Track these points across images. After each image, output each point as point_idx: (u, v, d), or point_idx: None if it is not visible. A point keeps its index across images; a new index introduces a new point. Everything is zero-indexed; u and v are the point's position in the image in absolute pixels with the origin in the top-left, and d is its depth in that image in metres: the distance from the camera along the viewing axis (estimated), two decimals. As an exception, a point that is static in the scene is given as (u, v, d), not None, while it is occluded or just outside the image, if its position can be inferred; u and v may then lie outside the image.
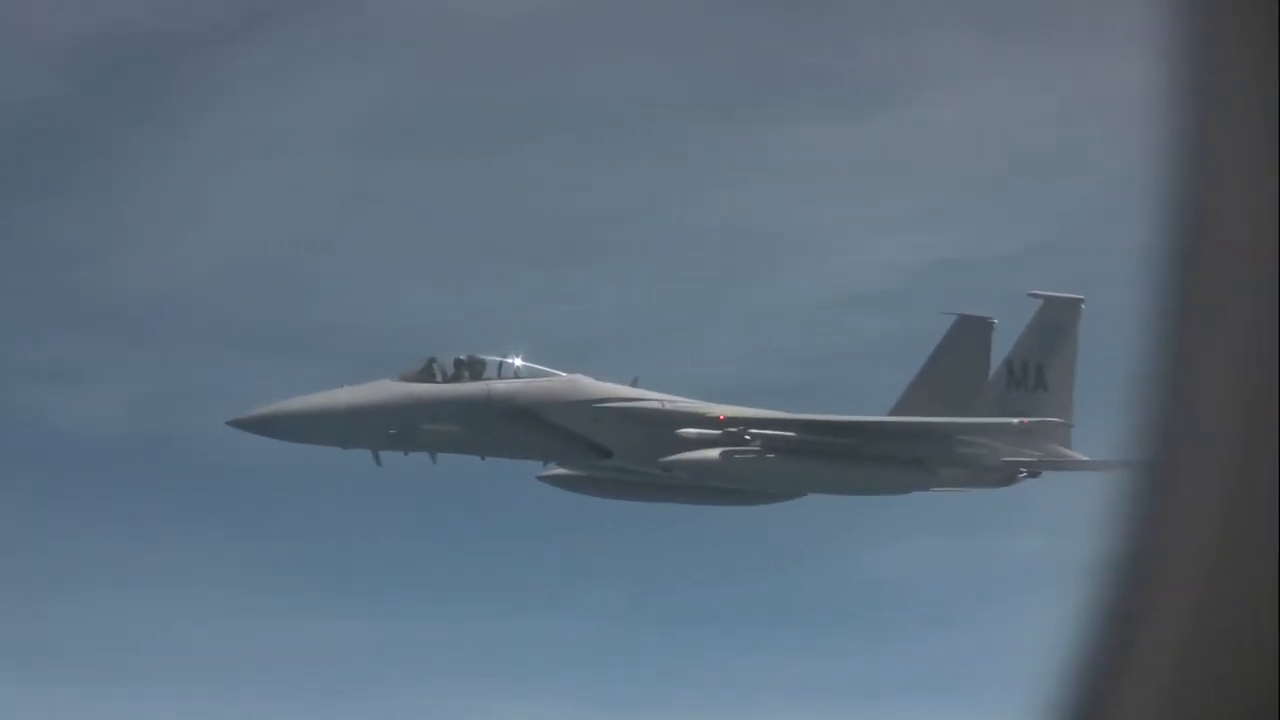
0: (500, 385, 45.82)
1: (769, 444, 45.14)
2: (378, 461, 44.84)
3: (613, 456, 45.99)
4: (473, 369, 46.11)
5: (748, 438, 45.07)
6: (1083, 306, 50.65)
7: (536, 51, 72.23)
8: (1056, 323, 50.61)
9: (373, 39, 72.17)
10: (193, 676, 65.83)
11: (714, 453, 44.83)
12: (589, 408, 45.83)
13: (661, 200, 74.68)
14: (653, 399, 46.40)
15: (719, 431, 45.29)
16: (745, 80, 72.62)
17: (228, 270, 72.93)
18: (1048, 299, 50.76)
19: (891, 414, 50.15)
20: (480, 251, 74.08)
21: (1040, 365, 50.36)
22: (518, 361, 46.61)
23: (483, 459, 46.10)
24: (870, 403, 51.18)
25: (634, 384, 47.30)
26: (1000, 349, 51.48)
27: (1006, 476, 49.22)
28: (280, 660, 66.94)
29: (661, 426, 45.42)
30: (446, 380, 45.72)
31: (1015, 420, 47.22)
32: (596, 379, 46.98)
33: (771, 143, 71.97)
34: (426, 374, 45.70)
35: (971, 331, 51.44)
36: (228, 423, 44.50)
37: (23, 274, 74.14)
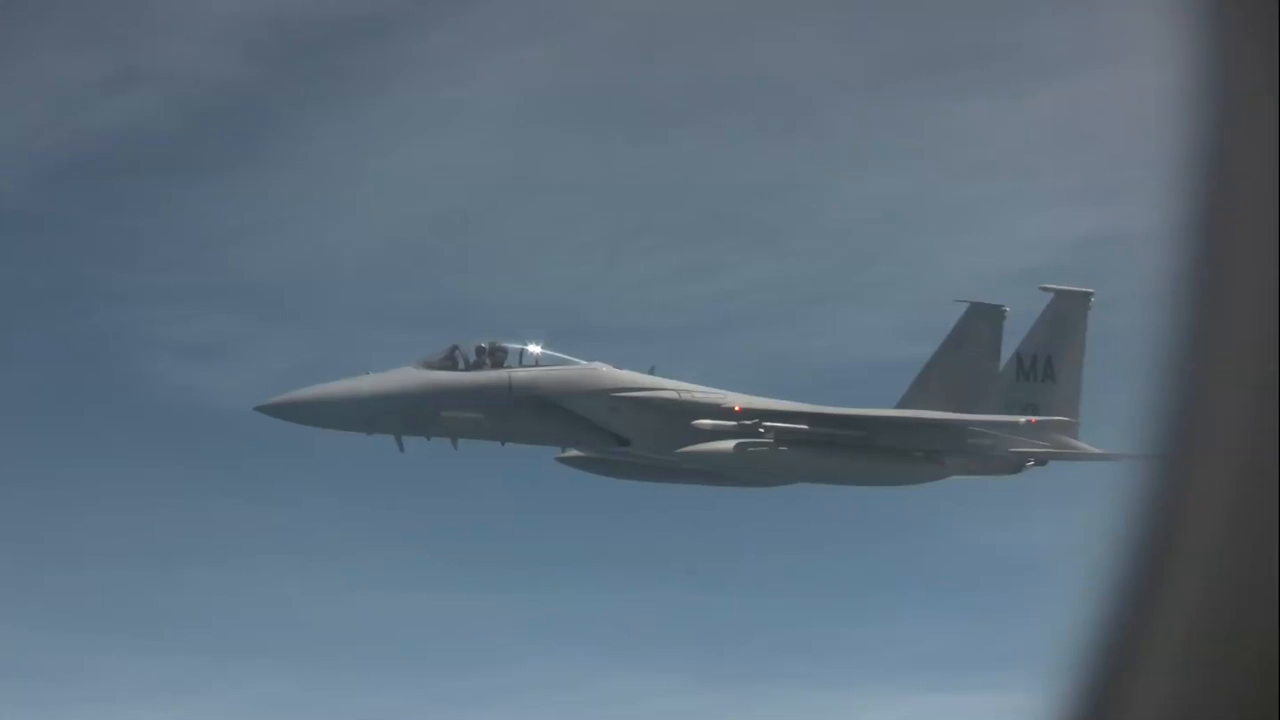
0: (520, 373, 46.78)
1: (782, 436, 46.14)
2: (400, 447, 45.89)
3: (630, 444, 47.01)
4: (494, 356, 47.04)
5: (761, 430, 46.07)
6: (1092, 300, 51.50)
7: (699, 30, 72.82)
8: (1067, 315, 51.46)
9: (542, 21, 72.88)
10: (325, 649, 67.31)
11: (728, 444, 45.82)
12: (607, 396, 46.81)
13: (819, 177, 75.32)
14: (670, 388, 47.37)
15: (734, 423, 46.27)
16: (907, 57, 73.12)
17: (388, 246, 73.98)
18: (1058, 292, 51.61)
19: (904, 400, 51.14)
20: (637, 228, 74.96)
21: (1050, 357, 51.25)
22: (538, 349, 47.56)
23: (502, 445, 47.15)
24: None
25: (651, 372, 48.29)
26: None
27: (1014, 466, 50.18)
28: (402, 632, 68.38)
29: (678, 416, 46.41)
30: (468, 367, 46.68)
31: (1023, 419, 48.18)
32: (615, 367, 47.97)
33: (931, 119, 72.46)
34: (449, 361, 46.65)
35: (984, 319, 52.32)
36: (255, 408, 45.54)
37: (181, 251, 75.13)
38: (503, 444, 47.18)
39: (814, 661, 66.11)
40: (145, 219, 77.27)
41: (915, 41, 72.04)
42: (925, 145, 71.84)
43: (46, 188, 77.74)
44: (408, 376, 46.11)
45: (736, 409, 46.78)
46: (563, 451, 48.87)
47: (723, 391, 47.88)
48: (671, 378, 48.27)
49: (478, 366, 46.75)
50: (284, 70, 77.56)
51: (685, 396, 47.06)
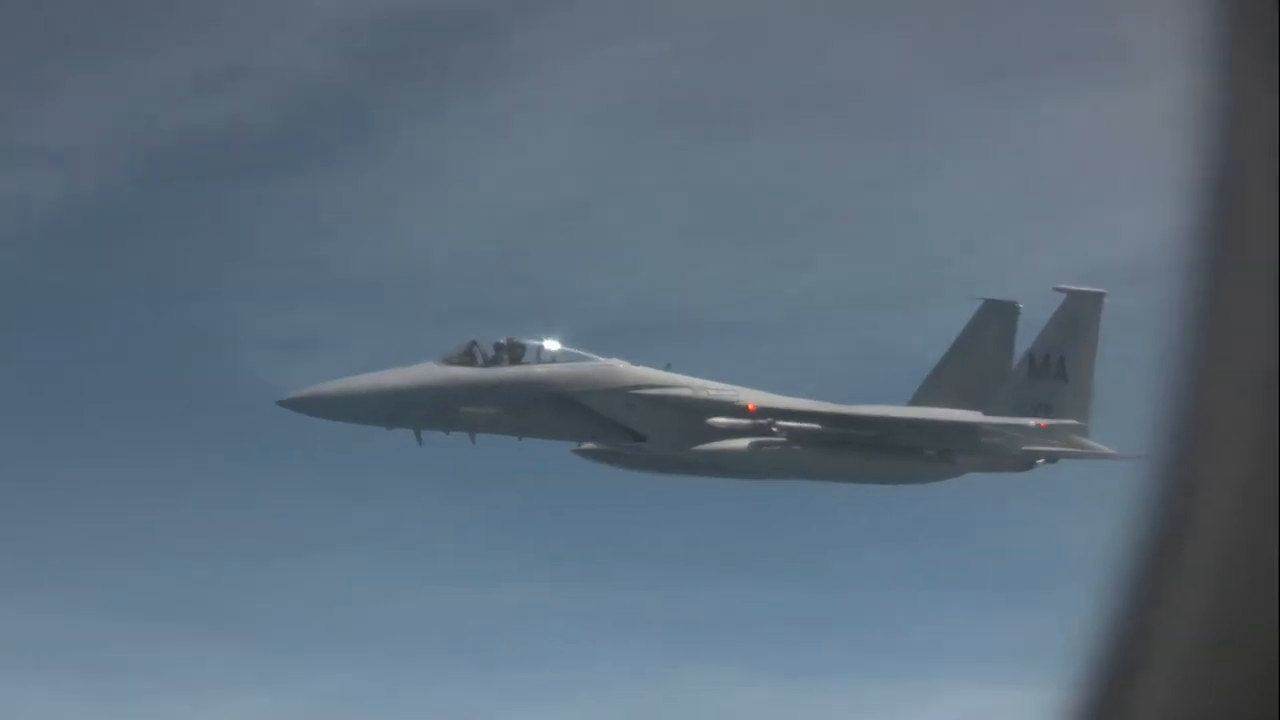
0: (538, 370, 47.48)
1: (795, 435, 46.81)
2: (419, 441, 46.64)
3: (646, 440, 47.73)
4: (512, 353, 47.75)
5: (774, 430, 46.73)
6: (1105, 300, 52.00)
7: (790, 30, 73.12)
8: (1079, 315, 51.95)
9: (635, 19, 73.27)
10: (386, 644, 68.23)
11: (743, 442, 46.51)
12: (623, 393, 47.50)
13: (908, 175, 75.59)
14: (685, 386, 48.02)
15: (748, 421, 46.95)
16: (994, 55, 73.38)
17: (482, 242, 74.62)
18: (1071, 292, 52.10)
19: (917, 396, 51.72)
20: (725, 224, 75.47)
21: (1062, 357, 51.76)
22: (556, 346, 48.24)
23: (519, 439, 47.87)
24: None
25: (668, 369, 48.95)
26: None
27: (1025, 464, 50.78)
28: (455, 627, 69.26)
29: (693, 414, 47.09)
30: (487, 363, 47.38)
31: (1033, 422, 48.75)
32: (631, 364, 48.63)
33: (1018, 117, 72.76)
34: (468, 357, 47.35)
35: (997, 316, 52.84)
36: (278, 403, 46.30)
37: (277, 246, 75.81)
38: (520, 439, 47.92)
39: (855, 654, 66.82)
40: (243, 215, 78.02)
41: (1002, 41, 72.36)
42: (1013, 144, 72.12)
43: (145, 183, 78.43)
44: (428, 372, 46.82)
45: (750, 408, 47.45)
46: (579, 445, 49.60)
47: (737, 389, 48.50)
48: (707, 377, 48.90)
49: (496, 362, 47.45)
50: (382, 67, 78.14)
51: (700, 394, 47.71)
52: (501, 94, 76.67)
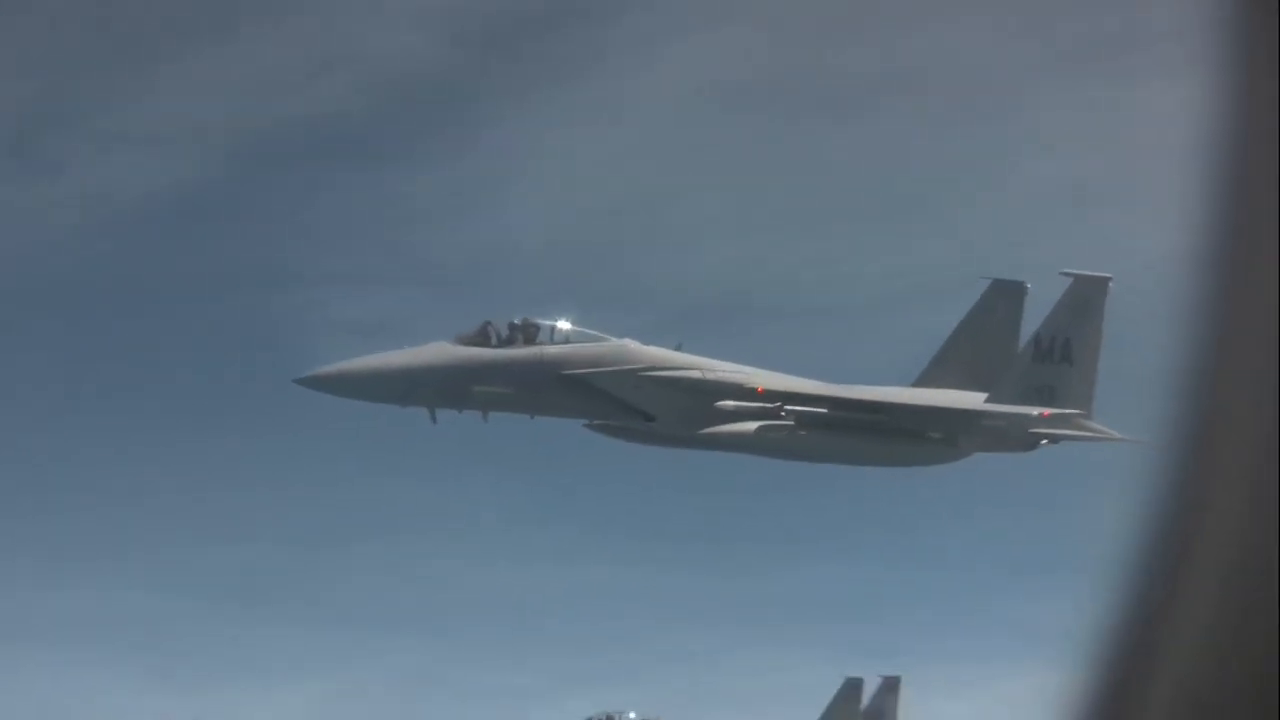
0: (551, 350, 48.28)
1: (802, 419, 47.66)
2: (433, 419, 47.54)
3: (655, 421, 48.58)
4: (526, 332, 48.53)
5: (782, 414, 47.60)
6: (1111, 285, 52.59)
7: (883, 16, 73.22)
8: (1085, 300, 52.52)
9: (726, 6, 73.40)
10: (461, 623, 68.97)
11: (750, 426, 47.39)
12: (634, 374, 48.32)
13: (998, 159, 75.71)
14: (695, 367, 48.81)
15: (756, 404, 47.79)
16: (1084, 42, 73.40)
17: (573, 225, 75.10)
18: (1078, 277, 52.69)
19: (924, 376, 52.45)
20: (817, 207, 75.90)
21: (1068, 340, 52.39)
22: (568, 325, 49.02)
23: (531, 418, 48.76)
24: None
25: (678, 348, 49.73)
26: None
27: (1029, 444, 51.55)
28: (531, 608, 70.24)
29: (701, 396, 47.94)
30: (501, 343, 48.20)
31: (1035, 412, 49.46)
32: (642, 344, 49.42)
33: (1121, 101, 73.04)
34: (482, 337, 48.16)
35: (1004, 295, 53.51)
36: (295, 380, 47.23)
37: (363, 231, 76.53)
38: (532, 417, 48.79)
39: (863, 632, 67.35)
40: (336, 200, 78.65)
41: (1092, 26, 72.36)
42: (1103, 128, 72.32)
43: (240, 170, 79.19)
44: (442, 351, 47.63)
45: (759, 390, 48.27)
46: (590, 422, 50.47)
47: (748, 370, 49.29)
48: (719, 359, 49.65)
49: (510, 342, 48.25)
50: (476, 56, 78.54)
51: (709, 376, 48.50)
52: (591, 81, 76.97)
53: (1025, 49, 72.47)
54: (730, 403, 47.76)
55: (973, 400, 50.11)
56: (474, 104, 77.47)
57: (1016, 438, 51.02)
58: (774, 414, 47.89)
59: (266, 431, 70.57)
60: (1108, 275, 52.56)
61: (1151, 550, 4.21)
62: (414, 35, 75.64)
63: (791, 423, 47.64)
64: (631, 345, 49.10)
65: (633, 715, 79.80)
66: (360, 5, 75.75)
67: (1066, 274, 52.91)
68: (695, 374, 48.44)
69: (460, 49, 77.48)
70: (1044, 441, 51.80)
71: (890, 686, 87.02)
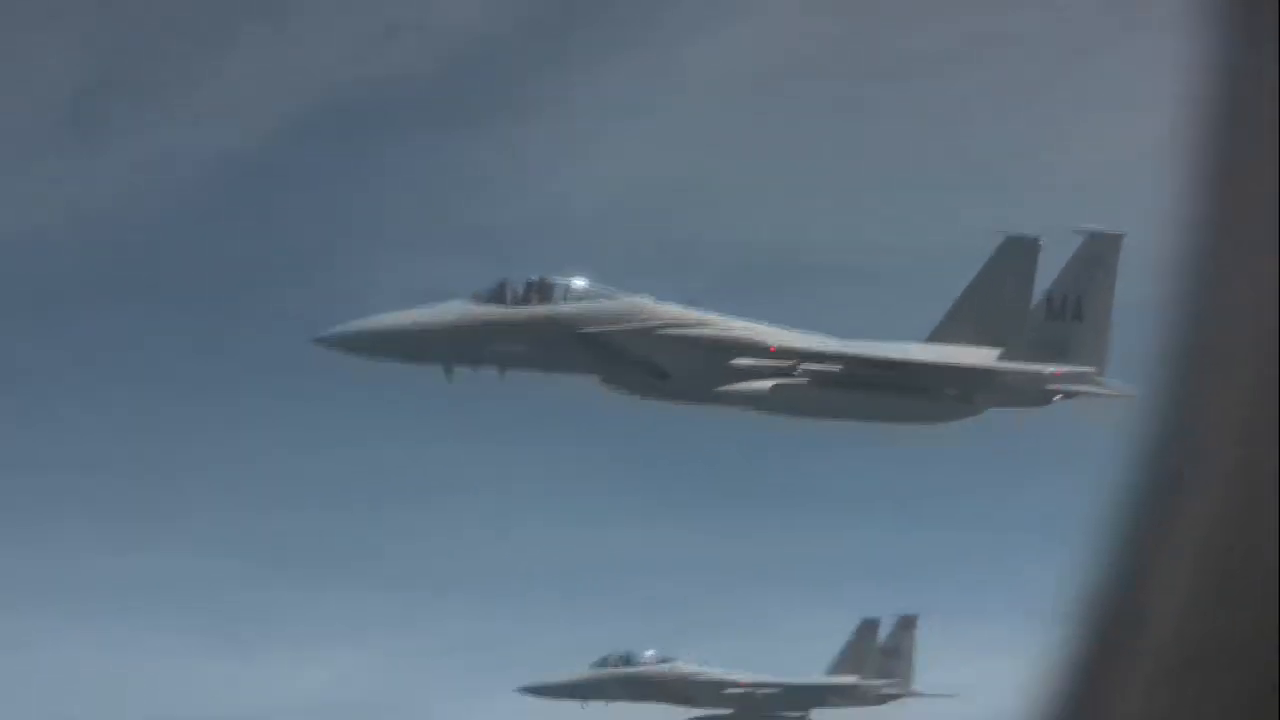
0: (565, 308, 48.56)
1: (817, 377, 47.95)
2: (449, 378, 47.86)
3: (669, 378, 48.88)
4: (541, 291, 48.82)
5: (796, 371, 47.88)
6: (1123, 241, 52.72)
7: None
8: (1097, 257, 52.66)
9: None
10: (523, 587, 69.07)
11: (765, 384, 47.69)
12: (649, 331, 48.61)
13: (1051, 128, 75.49)
14: (709, 325, 49.08)
15: (770, 362, 48.08)
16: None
17: (635, 190, 75.06)
18: (1090, 234, 52.83)
19: (937, 332, 52.67)
20: (868, 173, 75.85)
21: (1080, 298, 52.58)
22: (584, 283, 49.30)
23: (546, 375, 49.06)
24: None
25: (692, 307, 49.99)
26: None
27: (1042, 400, 51.83)
28: (592, 570, 70.58)
29: (716, 353, 48.24)
30: (517, 301, 48.47)
31: (1048, 370, 49.71)
32: (658, 302, 49.69)
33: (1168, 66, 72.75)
34: (498, 295, 48.44)
35: (1018, 252, 53.64)
36: (313, 340, 47.53)
37: (426, 197, 76.45)
38: (547, 374, 49.10)
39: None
40: (400, 166, 78.58)
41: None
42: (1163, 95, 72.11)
43: (299, 136, 79.19)
44: (458, 309, 47.92)
45: (771, 349, 48.55)
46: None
47: (763, 328, 49.56)
48: (721, 314, 49.96)
49: (525, 301, 48.52)
50: (537, 23, 78.39)
51: (724, 334, 48.78)
52: (649, 50, 76.82)
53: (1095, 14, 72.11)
54: (745, 360, 48.04)
55: (986, 357, 50.35)
56: (534, 71, 77.75)
57: (1030, 393, 51.29)
58: (788, 372, 48.16)
59: (321, 396, 70.87)
60: (1121, 232, 52.69)
61: (1142, 508, 4.10)
62: (476, 3, 75.74)
63: (806, 380, 47.92)
64: (646, 303, 49.36)
65: (650, 653, 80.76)
66: None
67: (1080, 231, 53.07)
68: (710, 331, 48.73)
69: (523, 15, 77.52)
70: (1058, 397, 52.06)
71: (906, 625, 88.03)
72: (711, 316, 49.49)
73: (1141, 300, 51.27)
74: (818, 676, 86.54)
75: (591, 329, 48.21)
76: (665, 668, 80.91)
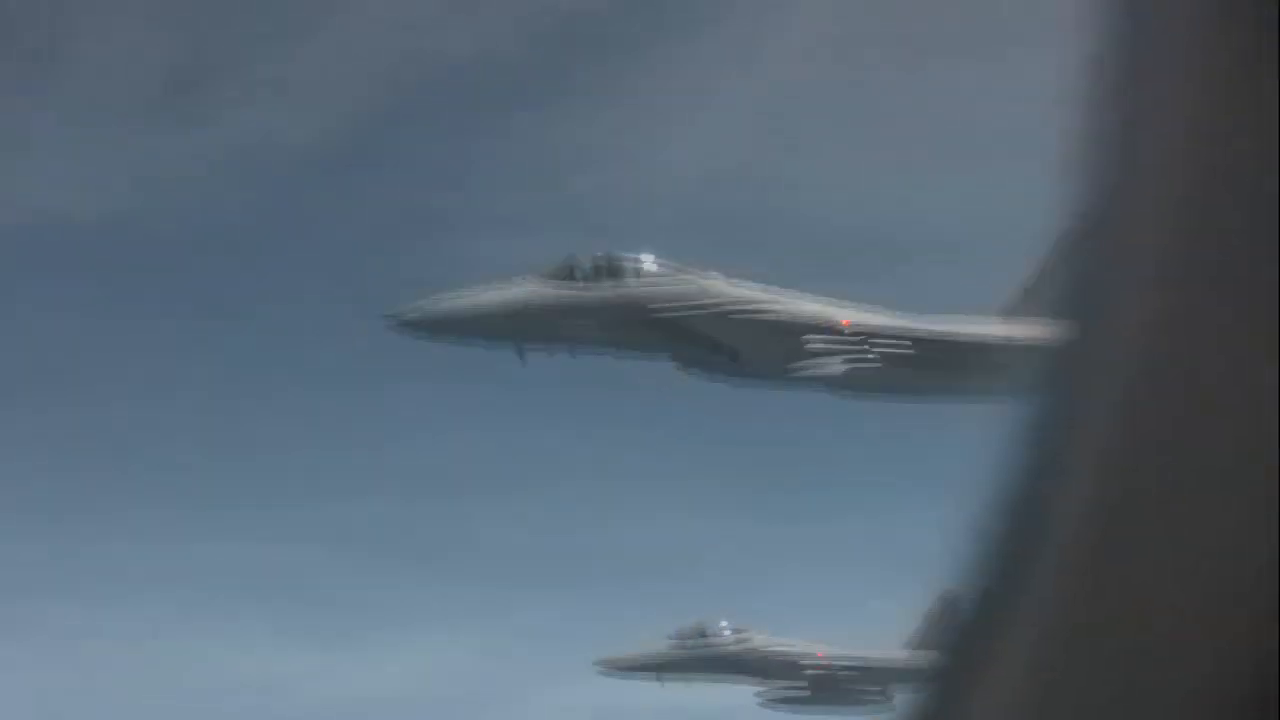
0: (636, 288, 48.30)
1: (889, 356, 47.51)
2: (522, 359, 47.74)
3: (740, 358, 48.56)
4: (611, 269, 48.58)
5: (868, 349, 47.45)
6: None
7: None
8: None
9: None
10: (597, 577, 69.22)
11: (837, 363, 47.30)
12: (719, 311, 48.29)
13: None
14: (781, 303, 48.69)
15: (843, 341, 47.67)
16: None
17: (719, 169, 75.00)
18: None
19: (1013, 306, 51.97)
20: (957, 149, 75.58)
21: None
22: (653, 262, 49.02)
23: (617, 355, 48.86)
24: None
25: (763, 285, 49.60)
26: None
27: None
28: (661, 558, 70.52)
29: (787, 333, 47.86)
30: (586, 280, 48.25)
31: None
32: (729, 281, 49.35)
33: None
34: (566, 274, 48.24)
35: None
36: (386, 325, 47.46)
37: (518, 173, 76.74)
38: (618, 353, 48.90)
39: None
40: (487, 143, 78.78)
41: None
42: None
43: (391, 113, 79.42)
44: (530, 289, 47.74)
45: (844, 323, 48.14)
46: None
47: (835, 306, 49.11)
48: (791, 290, 49.59)
49: (594, 279, 48.30)
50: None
51: (796, 312, 48.38)
52: (735, 26, 76.62)
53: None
54: (818, 339, 47.66)
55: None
56: (625, 49, 77.59)
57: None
58: (862, 350, 47.75)
59: (408, 380, 71.00)
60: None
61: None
62: None
63: (878, 359, 47.50)
64: (716, 282, 49.03)
65: (725, 626, 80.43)
66: None
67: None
68: (781, 310, 48.36)
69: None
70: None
71: None
72: (783, 295, 49.09)
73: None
74: (899, 653, 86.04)
75: (662, 309, 47.96)
76: (741, 643, 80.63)
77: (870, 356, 47.64)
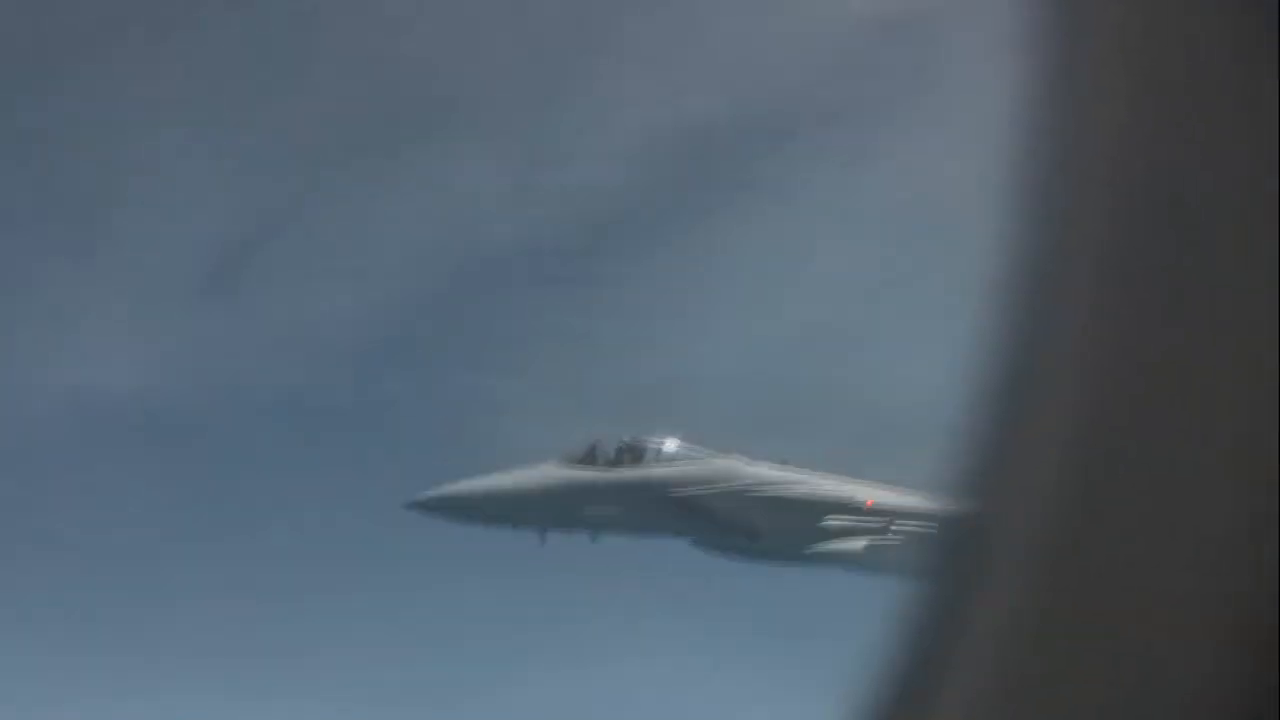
0: (658, 470, 48.56)
1: (911, 536, 47.27)
2: (542, 541, 47.91)
3: (761, 539, 48.52)
4: (633, 453, 48.91)
5: (891, 529, 47.29)
6: None
7: None
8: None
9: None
10: None
11: (858, 543, 47.15)
12: (740, 493, 48.40)
13: None
14: (801, 483, 48.73)
15: (865, 521, 47.55)
16: None
17: (747, 351, 74.83)
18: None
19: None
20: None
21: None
22: (675, 445, 49.31)
23: (639, 538, 48.96)
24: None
25: (784, 465, 49.71)
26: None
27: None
28: None
29: (808, 513, 47.82)
30: (609, 464, 48.56)
31: None
32: (749, 461, 49.49)
33: None
34: (590, 458, 48.59)
35: None
36: (404, 506, 47.86)
37: (553, 360, 77.14)
38: (641, 536, 49.00)
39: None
40: (530, 325, 79.17)
41: None
42: None
43: (437, 297, 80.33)
44: (551, 473, 48.09)
45: (868, 504, 48.06)
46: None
47: (857, 486, 49.05)
48: (805, 469, 49.68)
49: (617, 463, 48.61)
50: (670, 177, 79.01)
51: (816, 493, 48.39)
52: (774, 199, 76.80)
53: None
54: (838, 520, 47.60)
55: None
56: (656, 225, 78.05)
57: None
58: (883, 530, 47.62)
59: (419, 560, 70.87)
60: None
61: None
62: (617, 162, 76.11)
63: (900, 539, 47.32)
64: (737, 464, 49.21)
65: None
66: (565, 132, 76.97)
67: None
68: (801, 490, 48.40)
69: (648, 172, 78.03)
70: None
71: None
72: (803, 475, 49.12)
73: None
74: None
75: (682, 492, 48.13)
76: None
77: (892, 536, 47.47)
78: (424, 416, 79.55)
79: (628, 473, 48.36)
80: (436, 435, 78.84)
